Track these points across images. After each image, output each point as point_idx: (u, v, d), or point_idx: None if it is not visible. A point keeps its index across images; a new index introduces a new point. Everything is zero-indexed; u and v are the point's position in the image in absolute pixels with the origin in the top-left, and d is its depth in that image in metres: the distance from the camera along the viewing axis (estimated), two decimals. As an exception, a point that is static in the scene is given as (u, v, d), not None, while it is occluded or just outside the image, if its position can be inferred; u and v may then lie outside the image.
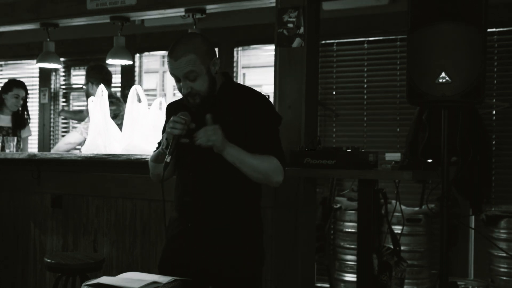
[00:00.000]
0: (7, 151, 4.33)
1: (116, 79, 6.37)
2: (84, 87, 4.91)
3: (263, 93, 2.58)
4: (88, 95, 4.76)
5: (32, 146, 6.62)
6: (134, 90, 4.01)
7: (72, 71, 6.94)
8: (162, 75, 6.58)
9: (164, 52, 6.32)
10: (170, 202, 2.67)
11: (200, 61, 2.39)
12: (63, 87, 6.94)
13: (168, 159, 2.36)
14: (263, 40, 5.51)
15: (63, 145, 4.77)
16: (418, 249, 4.58)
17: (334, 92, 5.37)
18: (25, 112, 5.28)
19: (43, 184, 4.09)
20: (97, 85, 4.63)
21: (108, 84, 4.78)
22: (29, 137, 5.57)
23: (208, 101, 2.46)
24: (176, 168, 2.61)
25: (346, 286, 4.76)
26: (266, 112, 2.51)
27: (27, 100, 5.30)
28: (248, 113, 2.46)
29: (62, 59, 5.87)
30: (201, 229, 2.49)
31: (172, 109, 2.60)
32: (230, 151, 2.38)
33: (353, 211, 4.66)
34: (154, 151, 2.63)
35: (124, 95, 5.86)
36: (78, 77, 6.90)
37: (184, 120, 2.37)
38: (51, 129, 6.85)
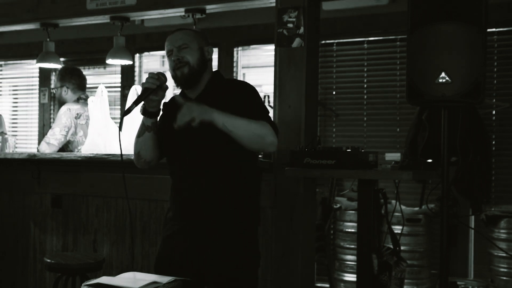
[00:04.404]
0: (6, 151, 4.33)
1: (116, 79, 6.37)
2: (56, 90, 4.66)
3: (252, 84, 2.64)
4: (60, 100, 4.58)
5: (32, 146, 6.62)
6: (134, 90, 4.02)
7: (72, 71, 6.92)
8: (162, 75, 6.57)
9: (164, 52, 6.31)
10: (167, 202, 2.68)
11: (194, 37, 2.57)
12: (63, 87, 6.93)
13: (131, 107, 2.40)
14: (263, 40, 5.50)
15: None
16: (418, 249, 4.58)
17: (334, 92, 5.37)
18: None
19: (43, 184, 4.09)
20: (73, 90, 4.55)
21: (83, 89, 4.61)
22: (29, 137, 5.54)
23: (195, 79, 2.52)
24: (172, 169, 2.62)
25: (346, 286, 4.76)
26: (252, 95, 2.56)
27: None
28: (235, 98, 2.50)
29: (62, 59, 5.87)
30: (197, 229, 2.50)
31: (166, 107, 2.62)
32: (219, 116, 2.37)
33: (353, 211, 4.66)
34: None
35: (124, 95, 5.86)
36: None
37: (157, 76, 2.45)
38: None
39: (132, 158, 2.68)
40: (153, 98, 2.45)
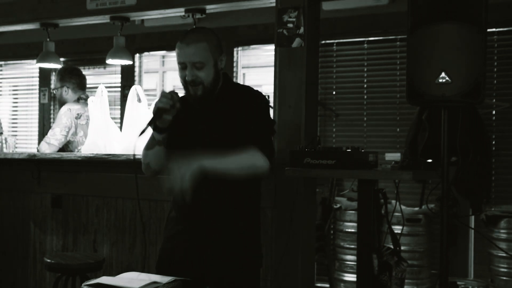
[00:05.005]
0: (5, 151, 4.33)
1: (116, 79, 6.37)
2: (56, 91, 4.64)
3: (263, 93, 2.58)
4: (61, 100, 4.58)
5: (32, 146, 6.62)
6: (134, 90, 4.02)
7: (72, 71, 6.92)
8: (162, 75, 6.58)
9: (164, 52, 6.33)
10: (167, 202, 2.68)
11: (210, 52, 2.44)
12: (63, 87, 6.92)
13: (146, 128, 2.39)
14: (263, 40, 5.51)
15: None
16: (418, 249, 4.58)
17: (334, 92, 5.37)
18: None
19: (43, 184, 4.09)
20: (73, 90, 4.55)
21: (83, 89, 4.61)
22: (29, 137, 5.54)
23: (209, 96, 2.47)
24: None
25: (346, 286, 4.76)
26: (259, 106, 2.52)
27: None
28: (243, 109, 2.46)
29: (62, 59, 5.87)
30: (199, 229, 2.49)
31: None
32: (208, 162, 2.30)
33: (353, 211, 4.66)
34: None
35: (124, 95, 5.86)
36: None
37: (170, 96, 2.40)
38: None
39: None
40: (166, 117, 2.42)
